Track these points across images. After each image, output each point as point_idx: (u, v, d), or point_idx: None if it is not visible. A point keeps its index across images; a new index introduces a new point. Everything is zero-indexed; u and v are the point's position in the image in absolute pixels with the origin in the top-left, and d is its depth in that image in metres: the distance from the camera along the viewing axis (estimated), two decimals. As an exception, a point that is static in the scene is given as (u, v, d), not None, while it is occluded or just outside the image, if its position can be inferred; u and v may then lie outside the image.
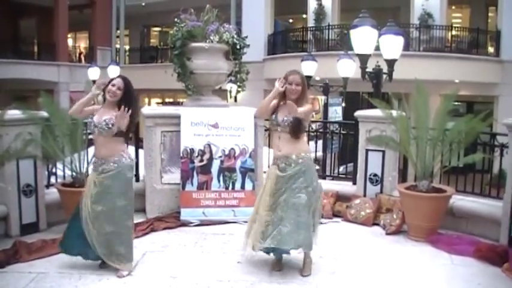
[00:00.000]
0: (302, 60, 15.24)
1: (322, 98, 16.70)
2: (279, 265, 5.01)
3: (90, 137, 6.35)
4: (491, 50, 19.35)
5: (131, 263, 4.91)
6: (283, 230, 4.71)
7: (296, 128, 4.76)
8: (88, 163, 6.18)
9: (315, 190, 4.90)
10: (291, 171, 4.78)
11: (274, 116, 4.88)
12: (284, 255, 5.03)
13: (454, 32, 19.14)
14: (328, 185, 7.43)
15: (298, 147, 4.84)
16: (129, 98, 4.78)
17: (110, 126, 4.71)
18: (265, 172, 7.15)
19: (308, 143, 8.38)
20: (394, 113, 6.25)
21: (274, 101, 4.90)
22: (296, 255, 5.03)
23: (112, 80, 4.85)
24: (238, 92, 7.71)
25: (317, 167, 10.34)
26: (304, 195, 4.77)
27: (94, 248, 4.79)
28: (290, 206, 4.74)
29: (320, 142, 9.27)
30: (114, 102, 4.77)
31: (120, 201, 4.79)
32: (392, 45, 8.73)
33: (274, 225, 4.75)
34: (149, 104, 27.48)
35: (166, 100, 27.19)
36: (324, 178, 8.37)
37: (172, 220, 6.48)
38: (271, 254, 5.04)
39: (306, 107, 4.75)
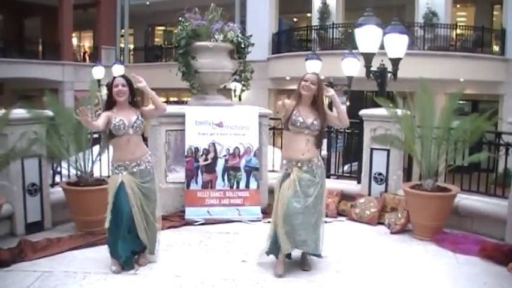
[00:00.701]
0: (306, 59, 15.21)
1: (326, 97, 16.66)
2: (303, 262, 5.04)
3: (95, 136, 6.39)
4: (496, 48, 19.29)
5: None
6: (313, 236, 4.83)
7: (324, 133, 4.89)
8: (93, 162, 6.18)
9: (324, 193, 5.07)
10: (318, 178, 4.82)
11: (300, 118, 4.73)
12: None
13: (458, 31, 19.09)
14: (333, 184, 7.42)
15: (316, 152, 4.89)
16: (133, 92, 4.93)
17: (142, 125, 4.95)
18: (272, 171, 7.17)
19: (320, 145, 8.45)
20: (399, 111, 6.24)
21: (290, 101, 4.85)
22: (298, 254, 5.04)
23: (112, 83, 4.90)
24: (242, 91, 7.71)
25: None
26: (321, 200, 4.92)
27: (145, 239, 4.95)
28: (318, 212, 4.86)
29: (324, 141, 9.25)
30: (124, 102, 4.87)
31: (157, 195, 5.08)
32: (397, 43, 8.70)
33: (308, 231, 4.78)
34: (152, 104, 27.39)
35: (171, 99, 27.20)
36: (329, 177, 8.35)
37: (177, 219, 6.49)
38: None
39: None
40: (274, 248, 4.90)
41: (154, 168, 5.10)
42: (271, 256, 5.00)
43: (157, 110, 5.04)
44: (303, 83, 4.76)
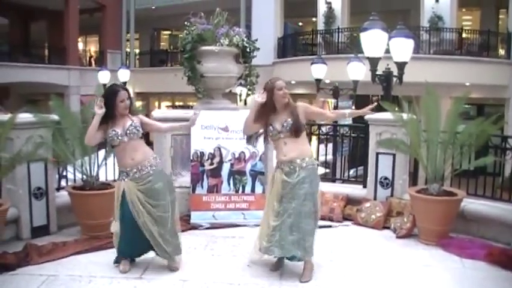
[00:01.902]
0: (312, 64, 15.23)
1: (332, 101, 16.68)
2: (277, 265, 5.05)
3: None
4: (502, 52, 19.24)
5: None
6: (290, 238, 4.75)
7: (298, 126, 4.80)
8: (98, 166, 6.19)
9: (317, 196, 4.96)
10: (297, 177, 4.77)
11: (271, 127, 4.86)
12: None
13: (464, 35, 19.04)
14: (338, 188, 7.42)
15: (303, 152, 4.84)
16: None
17: (138, 128, 4.89)
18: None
19: (318, 146, 8.42)
20: (405, 116, 6.22)
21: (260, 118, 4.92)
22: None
23: (115, 95, 4.84)
24: (248, 95, 7.71)
25: (327, 170, 10.38)
26: (310, 202, 4.80)
27: (161, 249, 4.92)
28: (298, 214, 4.75)
29: (330, 145, 9.25)
30: (124, 114, 4.89)
31: (168, 197, 4.97)
32: (402, 48, 8.70)
33: (282, 233, 4.76)
34: (159, 107, 27.53)
35: (176, 103, 27.27)
36: (334, 181, 8.35)
37: (182, 223, 6.44)
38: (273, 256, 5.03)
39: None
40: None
41: (160, 170, 5.05)
42: (272, 259, 5.03)
43: (158, 131, 5.02)
44: (280, 92, 4.80)
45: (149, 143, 7.37)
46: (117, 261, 5.06)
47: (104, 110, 4.75)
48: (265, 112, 4.86)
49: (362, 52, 9.21)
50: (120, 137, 4.81)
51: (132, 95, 4.95)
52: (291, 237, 4.74)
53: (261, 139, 5.13)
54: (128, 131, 4.83)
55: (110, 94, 4.87)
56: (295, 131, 4.79)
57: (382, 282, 4.83)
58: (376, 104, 4.82)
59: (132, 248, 5.00)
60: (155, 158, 5.05)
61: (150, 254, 5.21)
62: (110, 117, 4.83)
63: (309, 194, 4.79)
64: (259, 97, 4.78)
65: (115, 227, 4.97)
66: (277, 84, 4.81)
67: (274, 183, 4.91)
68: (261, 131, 4.99)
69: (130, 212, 4.82)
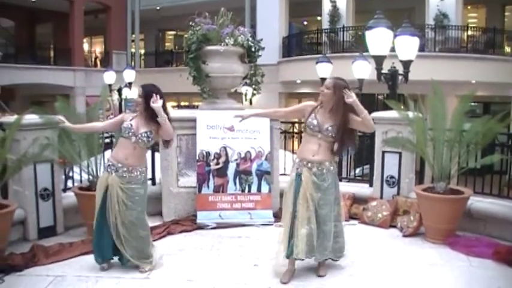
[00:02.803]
0: (317, 63, 15.22)
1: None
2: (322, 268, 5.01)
3: (107, 140, 6.42)
4: (508, 49, 19.17)
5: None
6: (327, 244, 4.82)
7: (345, 141, 4.79)
8: (104, 167, 6.19)
9: (340, 198, 5.07)
10: (327, 182, 4.78)
11: (312, 119, 4.79)
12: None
13: (470, 32, 18.97)
14: (345, 187, 7.38)
15: (330, 155, 4.83)
16: (149, 99, 4.79)
17: (150, 139, 4.89)
18: (283, 174, 7.15)
19: (339, 152, 8.42)
20: (411, 114, 6.21)
21: (311, 103, 4.96)
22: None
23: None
24: (253, 94, 7.71)
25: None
26: (337, 205, 4.93)
27: (123, 250, 4.91)
28: (331, 219, 4.82)
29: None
30: (140, 112, 4.90)
31: (144, 206, 4.99)
32: (407, 46, 8.67)
33: (320, 239, 4.76)
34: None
35: (182, 103, 27.27)
36: (341, 180, 8.31)
37: (188, 223, 6.49)
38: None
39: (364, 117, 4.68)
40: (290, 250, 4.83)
41: (146, 180, 5.05)
42: (283, 260, 4.97)
43: (163, 132, 4.91)
44: (321, 88, 4.84)
45: (155, 143, 7.41)
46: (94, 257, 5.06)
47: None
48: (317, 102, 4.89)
49: (367, 51, 9.19)
50: (129, 134, 4.84)
51: (137, 95, 4.91)
52: (328, 243, 4.82)
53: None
54: (139, 136, 4.84)
55: None
56: (334, 140, 4.76)
57: (388, 281, 4.83)
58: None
59: (105, 246, 4.97)
60: (146, 168, 5.05)
61: (156, 254, 5.22)
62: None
63: (337, 199, 4.92)
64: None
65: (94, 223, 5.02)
66: (325, 82, 4.90)
67: (302, 181, 4.76)
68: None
69: (108, 209, 4.87)
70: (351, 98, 4.61)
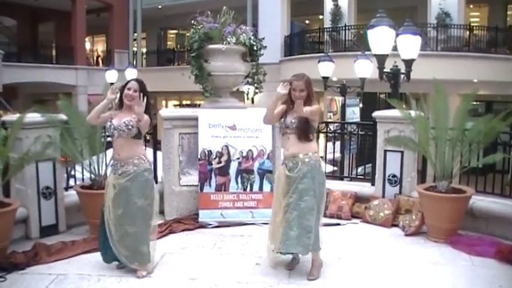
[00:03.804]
0: (319, 61, 15.21)
1: (339, 99, 16.65)
2: (291, 264, 5.05)
3: (109, 139, 6.42)
4: (510, 48, 19.11)
5: (150, 263, 4.95)
6: (291, 234, 4.70)
7: (304, 129, 4.78)
8: (107, 165, 6.21)
9: (321, 191, 4.91)
10: (299, 172, 4.76)
11: (283, 119, 4.91)
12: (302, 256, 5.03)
13: (472, 31, 18.92)
14: (347, 186, 7.41)
15: (306, 147, 4.83)
16: (145, 98, 4.84)
17: (130, 127, 4.82)
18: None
19: (326, 144, 8.41)
20: (413, 113, 6.20)
21: (282, 106, 4.92)
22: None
23: (127, 83, 4.95)
24: (255, 93, 7.74)
25: (335, 168, 10.37)
26: (311, 197, 4.75)
27: (117, 251, 4.85)
28: (298, 209, 4.72)
29: (338, 143, 9.24)
30: (130, 106, 4.86)
31: (140, 202, 4.83)
32: (410, 45, 8.67)
33: (283, 229, 4.75)
34: (167, 106, 27.57)
35: (184, 102, 27.29)
36: (342, 179, 8.33)
37: (190, 222, 6.50)
38: (287, 255, 5.02)
39: (313, 106, 4.78)
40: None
41: (142, 172, 4.88)
42: (285, 259, 5.01)
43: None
44: (292, 92, 4.80)
45: (157, 142, 7.42)
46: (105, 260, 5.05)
47: (114, 96, 4.85)
48: (287, 104, 4.90)
49: (369, 49, 9.19)
50: (112, 130, 4.86)
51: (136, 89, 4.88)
52: (291, 232, 4.70)
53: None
54: (119, 127, 4.83)
55: (124, 84, 5.00)
56: (300, 131, 4.79)
57: (390, 280, 4.82)
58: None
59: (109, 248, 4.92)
60: (140, 158, 4.90)
61: (159, 253, 5.22)
62: (120, 105, 4.94)
63: (310, 190, 4.75)
64: (281, 88, 4.75)
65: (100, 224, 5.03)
66: (293, 84, 4.81)
67: (279, 179, 4.94)
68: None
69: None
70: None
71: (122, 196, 4.82)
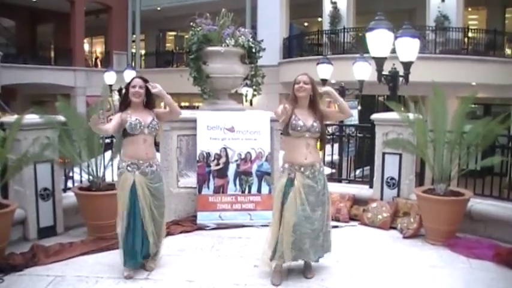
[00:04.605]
0: (318, 64, 15.23)
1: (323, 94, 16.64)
2: (309, 270, 4.97)
3: (107, 141, 6.42)
4: (508, 51, 19.15)
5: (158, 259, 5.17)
6: (317, 243, 4.81)
7: (325, 136, 4.77)
8: (105, 167, 6.20)
9: (330, 198, 5.00)
10: (320, 183, 4.76)
11: (300, 122, 4.65)
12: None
13: (470, 34, 18.96)
14: (345, 189, 7.41)
15: (318, 156, 4.86)
16: (150, 93, 4.94)
17: (157, 126, 5.00)
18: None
19: (324, 146, 8.41)
20: (411, 115, 6.21)
21: (290, 106, 4.70)
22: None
23: (129, 83, 4.96)
24: (254, 95, 7.76)
25: (333, 171, 10.38)
26: (327, 206, 4.87)
27: (149, 246, 4.94)
28: (322, 218, 4.80)
29: (336, 145, 9.24)
30: (140, 103, 4.92)
31: (163, 199, 5.07)
32: (408, 47, 8.68)
33: (310, 239, 4.73)
34: (165, 108, 27.51)
35: (182, 104, 27.28)
36: (341, 181, 8.33)
37: (188, 224, 6.49)
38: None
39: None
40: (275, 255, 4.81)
41: (162, 173, 5.16)
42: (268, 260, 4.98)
43: (171, 114, 5.09)
44: (296, 86, 4.72)
45: (156, 143, 7.41)
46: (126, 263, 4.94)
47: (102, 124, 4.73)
48: (291, 103, 4.75)
49: (368, 52, 9.20)
50: (142, 128, 4.85)
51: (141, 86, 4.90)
52: (318, 241, 4.80)
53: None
54: (151, 125, 4.90)
55: (128, 83, 5.02)
56: (320, 136, 4.79)
57: (388, 283, 4.82)
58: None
59: (138, 246, 4.88)
60: (157, 159, 5.14)
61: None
62: (127, 105, 4.94)
63: (329, 199, 4.90)
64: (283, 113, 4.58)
65: (120, 227, 4.90)
66: (297, 78, 4.76)
67: (294, 186, 4.67)
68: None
69: (136, 206, 4.82)
70: (325, 88, 4.72)
71: (158, 197, 4.97)
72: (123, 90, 5.11)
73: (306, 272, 4.92)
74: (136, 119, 4.84)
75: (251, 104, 19.61)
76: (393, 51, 8.82)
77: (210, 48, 6.90)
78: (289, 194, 4.68)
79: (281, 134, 5.04)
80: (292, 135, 4.69)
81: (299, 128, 4.65)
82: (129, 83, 4.97)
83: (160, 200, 4.98)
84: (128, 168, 4.86)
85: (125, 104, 4.94)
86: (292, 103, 4.74)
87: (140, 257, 4.92)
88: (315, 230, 4.75)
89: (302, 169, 4.70)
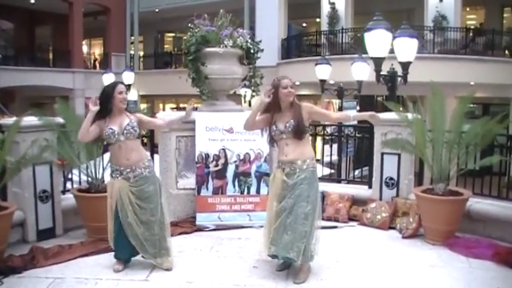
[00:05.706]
0: (316, 64, 15.26)
1: (336, 102, 16.69)
2: (282, 266, 5.04)
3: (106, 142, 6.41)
4: (506, 51, 19.17)
5: (171, 257, 5.16)
6: (285, 238, 4.72)
7: (300, 130, 4.76)
8: (104, 169, 6.20)
9: (317, 197, 4.89)
10: (296, 178, 4.75)
11: (274, 127, 4.83)
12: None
13: (468, 34, 18.97)
14: (344, 189, 7.41)
15: (304, 153, 4.82)
16: None
17: (136, 129, 4.90)
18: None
19: (323, 147, 8.41)
20: (410, 115, 6.21)
21: (267, 115, 4.86)
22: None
23: (114, 89, 4.89)
24: (252, 96, 7.71)
25: (332, 171, 10.38)
26: (306, 204, 4.74)
27: (143, 250, 4.98)
28: (293, 214, 4.71)
29: (335, 146, 9.24)
30: (121, 108, 4.91)
31: (159, 201, 5.02)
32: (406, 47, 8.69)
33: (278, 232, 4.76)
34: (164, 109, 27.61)
35: (181, 105, 27.28)
36: (339, 182, 8.33)
37: (187, 225, 6.49)
38: (278, 260, 5.03)
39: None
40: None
41: (153, 173, 5.09)
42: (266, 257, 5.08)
43: (157, 128, 5.06)
44: (284, 91, 4.74)
45: (154, 145, 7.42)
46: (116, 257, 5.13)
47: (98, 107, 4.78)
48: (271, 110, 4.83)
49: (366, 52, 9.21)
50: (116, 136, 4.84)
51: (136, 97, 4.94)
52: (286, 236, 4.72)
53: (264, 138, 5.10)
54: (125, 131, 4.86)
55: (109, 87, 4.93)
56: (297, 132, 4.77)
57: (388, 283, 4.82)
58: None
59: (125, 247, 5.02)
60: (149, 160, 5.12)
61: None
62: (107, 112, 4.88)
63: (305, 196, 4.74)
64: (266, 94, 4.68)
65: (110, 228, 5.06)
66: (283, 83, 4.76)
67: (274, 182, 4.92)
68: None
69: (120, 211, 4.90)
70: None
71: (147, 202, 4.93)
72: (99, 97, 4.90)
73: (295, 276, 4.85)
74: (110, 128, 4.83)
75: (250, 105, 19.52)
76: (391, 51, 8.84)
77: (208, 49, 6.89)
78: (271, 191, 4.96)
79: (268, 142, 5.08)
80: (274, 138, 4.90)
81: (274, 133, 4.86)
82: (113, 89, 4.87)
83: (150, 202, 4.93)
84: (112, 174, 4.97)
85: (105, 111, 4.85)
86: (275, 109, 4.83)
87: (128, 255, 5.09)
88: (281, 223, 4.74)
89: (283, 165, 4.85)
